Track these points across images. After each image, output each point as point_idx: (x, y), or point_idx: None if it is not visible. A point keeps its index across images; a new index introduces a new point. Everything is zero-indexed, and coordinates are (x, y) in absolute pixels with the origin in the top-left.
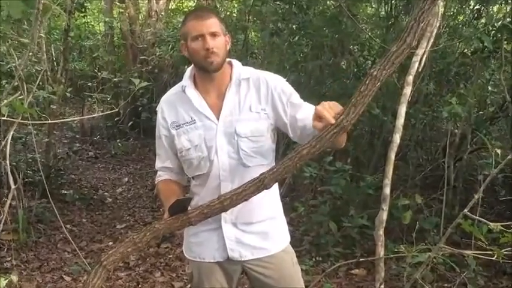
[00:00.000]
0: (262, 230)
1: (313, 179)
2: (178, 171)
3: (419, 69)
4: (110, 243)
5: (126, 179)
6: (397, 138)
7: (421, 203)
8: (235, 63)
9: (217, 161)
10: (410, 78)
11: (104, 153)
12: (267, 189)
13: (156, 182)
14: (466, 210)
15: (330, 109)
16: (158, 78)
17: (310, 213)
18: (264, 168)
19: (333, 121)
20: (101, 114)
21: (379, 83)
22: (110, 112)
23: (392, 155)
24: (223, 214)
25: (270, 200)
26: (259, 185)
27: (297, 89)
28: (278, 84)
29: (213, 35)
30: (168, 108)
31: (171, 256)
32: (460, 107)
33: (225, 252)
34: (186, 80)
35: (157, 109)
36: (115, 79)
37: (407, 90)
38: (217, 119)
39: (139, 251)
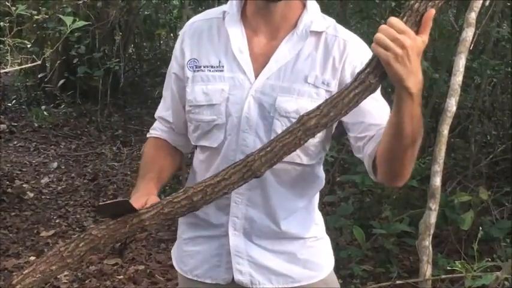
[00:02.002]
0: (292, 249)
1: (330, 164)
2: (181, 131)
3: (486, 3)
4: (32, 258)
5: (56, 165)
6: (452, 104)
7: (487, 199)
8: (311, 2)
9: (237, 138)
10: (472, 16)
11: (23, 126)
12: (257, 177)
13: (147, 135)
14: None
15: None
16: (102, 16)
17: (326, 215)
18: (301, 171)
19: (398, 50)
20: (17, 68)
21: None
22: (31, 65)
23: (445, 130)
24: (232, 218)
25: (307, 210)
26: (244, 171)
27: None
28: (359, 54)
29: None
30: (193, 38)
31: (121, 277)
32: None
33: (230, 272)
34: (232, 5)
35: (178, 33)
36: (37, 16)
37: (469, 34)
38: (256, 76)
39: (71, 270)
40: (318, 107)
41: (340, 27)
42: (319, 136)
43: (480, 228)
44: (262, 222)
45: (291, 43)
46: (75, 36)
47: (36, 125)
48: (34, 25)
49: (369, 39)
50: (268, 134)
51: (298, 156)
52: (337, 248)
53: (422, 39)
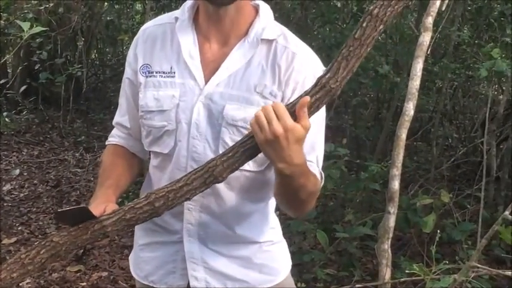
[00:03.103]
0: (247, 254)
1: None
2: (138, 137)
3: (443, 8)
4: None
5: (18, 171)
6: (410, 108)
7: (449, 202)
8: (264, 9)
9: (187, 145)
10: (429, 21)
11: None
12: (218, 182)
13: (106, 143)
14: (507, 212)
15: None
16: (64, 22)
17: (289, 219)
18: (250, 177)
19: (270, 135)
20: None
21: (382, 26)
22: None
23: (403, 133)
24: (186, 224)
25: (263, 215)
26: (206, 176)
27: None
28: (304, 70)
29: None
30: (146, 43)
31: (84, 284)
32: (505, 62)
33: (185, 278)
34: (184, 12)
35: (134, 38)
36: None
37: (426, 39)
38: (206, 82)
39: (33, 277)
40: None
41: (291, 37)
42: None
43: (438, 231)
44: (216, 227)
45: (242, 51)
46: (37, 42)
47: None
48: None
49: (330, 43)
50: (216, 141)
51: (247, 165)
52: (300, 252)
53: (303, 125)
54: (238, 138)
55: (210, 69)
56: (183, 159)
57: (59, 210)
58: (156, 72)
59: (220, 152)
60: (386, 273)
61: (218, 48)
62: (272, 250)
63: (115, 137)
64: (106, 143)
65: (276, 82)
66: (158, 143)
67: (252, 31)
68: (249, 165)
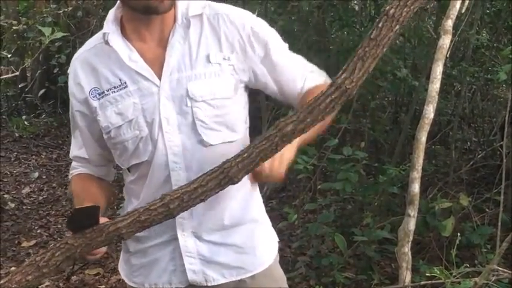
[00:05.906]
0: (239, 239)
1: (311, 172)
2: (99, 163)
3: (462, 10)
4: (13, 268)
5: (37, 174)
6: (429, 111)
7: (468, 206)
8: None
9: (163, 141)
10: (449, 24)
11: (4, 136)
12: (233, 183)
13: (69, 177)
14: None
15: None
16: (83, 26)
17: (307, 223)
18: (234, 148)
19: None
20: None
21: (398, 27)
22: (10, 76)
23: (422, 137)
24: (178, 219)
25: (249, 194)
26: (221, 177)
27: (288, 41)
28: (246, 22)
29: None
30: (85, 69)
31: (103, 287)
32: None
33: (185, 274)
34: (109, 26)
35: (68, 72)
36: (16, 27)
37: (445, 41)
38: (159, 78)
39: (51, 279)
40: (295, 113)
41: (216, 4)
42: (236, 108)
43: (458, 234)
44: (208, 213)
45: (177, 35)
46: (56, 45)
47: (17, 135)
48: (14, 35)
49: (348, 46)
50: (191, 125)
51: (227, 135)
52: (319, 255)
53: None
54: (213, 111)
55: (157, 65)
56: (163, 157)
57: (79, 207)
58: (108, 90)
59: (200, 133)
60: (407, 276)
61: (156, 45)
62: (262, 233)
63: (77, 168)
64: (69, 177)
65: (224, 46)
66: (136, 154)
67: (178, 14)
68: (230, 137)
